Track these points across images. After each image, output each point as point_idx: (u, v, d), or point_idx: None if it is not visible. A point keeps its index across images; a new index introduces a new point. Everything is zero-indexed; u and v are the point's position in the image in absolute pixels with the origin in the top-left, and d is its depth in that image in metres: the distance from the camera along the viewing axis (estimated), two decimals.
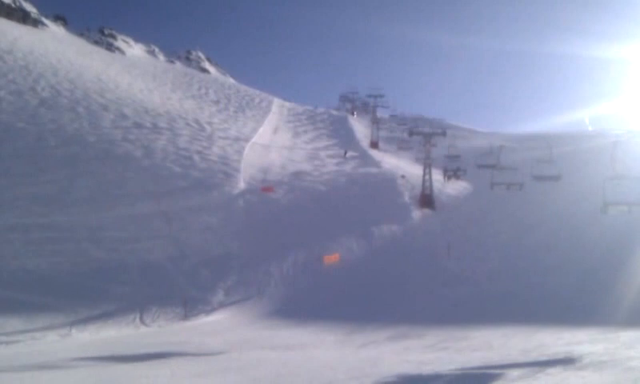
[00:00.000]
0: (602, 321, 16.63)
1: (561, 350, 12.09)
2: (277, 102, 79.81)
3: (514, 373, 9.83)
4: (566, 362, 10.52)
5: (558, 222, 32.51)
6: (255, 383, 10.20)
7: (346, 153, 47.95)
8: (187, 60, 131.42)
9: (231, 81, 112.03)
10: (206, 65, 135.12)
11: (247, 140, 50.74)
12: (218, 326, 21.61)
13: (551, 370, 9.77)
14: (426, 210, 38.06)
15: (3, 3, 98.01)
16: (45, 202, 32.56)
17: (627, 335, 13.91)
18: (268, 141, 54.61)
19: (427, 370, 11.13)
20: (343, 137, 61.98)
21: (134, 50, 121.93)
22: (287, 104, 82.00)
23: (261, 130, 58.27)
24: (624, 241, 27.21)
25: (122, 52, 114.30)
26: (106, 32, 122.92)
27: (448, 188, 42.20)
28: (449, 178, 40.32)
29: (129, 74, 77.52)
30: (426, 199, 39.00)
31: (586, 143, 46.07)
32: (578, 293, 22.08)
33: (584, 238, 29.37)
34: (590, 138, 49.78)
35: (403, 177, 43.10)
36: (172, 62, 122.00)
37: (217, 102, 72.72)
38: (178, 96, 71.19)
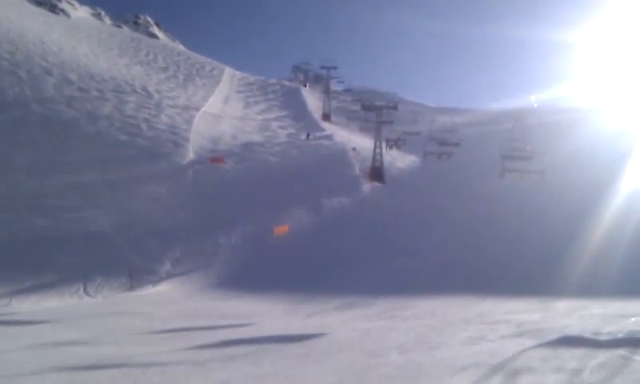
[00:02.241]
0: (541, 291, 17.36)
1: (500, 318, 12.59)
2: (228, 72, 78.28)
3: (455, 340, 10.19)
4: (505, 328, 10.97)
5: (502, 195, 33.54)
6: (203, 351, 10.18)
7: (308, 136, 47.28)
8: (135, 24, 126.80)
9: (181, 47, 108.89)
10: (155, 30, 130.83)
11: (197, 109, 49.73)
12: (165, 296, 21.40)
13: (490, 337, 10.17)
14: (376, 183, 38.50)
15: None
16: None
17: (564, 304, 14.61)
18: (218, 110, 53.67)
19: (374, 336, 11.40)
20: (295, 108, 61.61)
21: (79, 12, 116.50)
22: (238, 74, 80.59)
23: (211, 99, 57.17)
24: (565, 212, 28.40)
25: (66, 14, 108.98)
26: None
27: (398, 161, 42.78)
28: (390, 147, 41.05)
29: (73, 38, 74.09)
30: (376, 172, 39.39)
31: (531, 119, 47.46)
32: (519, 264, 22.94)
33: (526, 210, 30.47)
34: (536, 115, 51.29)
35: (354, 149, 43.36)
36: (119, 26, 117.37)
37: (165, 69, 70.69)
38: (125, 62, 68.74)
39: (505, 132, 36.32)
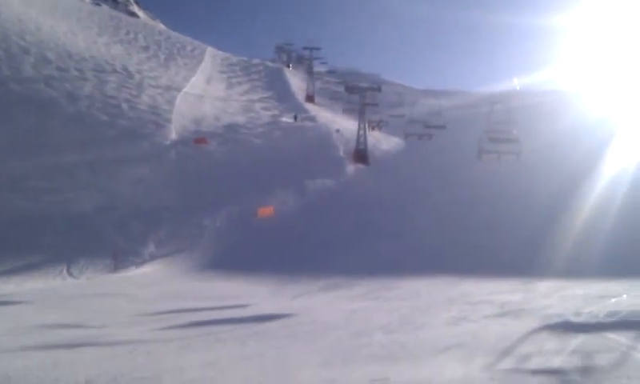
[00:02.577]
0: (524, 273, 17.66)
1: (483, 299, 12.80)
2: (210, 51, 77.29)
3: (438, 320, 10.35)
4: (488, 309, 11.16)
5: (485, 178, 33.83)
6: (188, 333, 10.21)
7: (296, 117, 46.84)
8: (114, 2, 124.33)
9: (161, 26, 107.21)
10: (135, 8, 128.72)
11: (179, 89, 49.21)
12: (149, 278, 21.35)
13: (474, 317, 10.35)
14: (360, 165, 38.60)
15: None
16: None
17: (545, 285, 14.88)
18: (201, 91, 53.14)
19: (359, 317, 11.53)
20: (279, 89, 61.24)
21: None
22: (220, 53, 79.66)
23: (193, 79, 56.56)
24: (548, 196, 28.79)
25: None
26: None
27: (382, 143, 42.88)
28: (372, 128, 41.22)
29: (51, 16, 72.40)
30: (360, 154, 39.48)
31: (514, 102, 47.78)
32: (502, 246, 23.25)
33: (508, 193, 30.81)
34: (519, 97, 51.57)
35: (338, 131, 43.34)
36: (98, 4, 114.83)
37: (146, 49, 69.59)
38: (105, 40, 67.51)
39: (491, 115, 36.67)
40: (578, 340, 7.71)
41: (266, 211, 28.97)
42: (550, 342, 7.76)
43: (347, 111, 48.72)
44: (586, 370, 6.38)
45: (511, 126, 30.62)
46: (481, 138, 31.00)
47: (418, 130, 36.39)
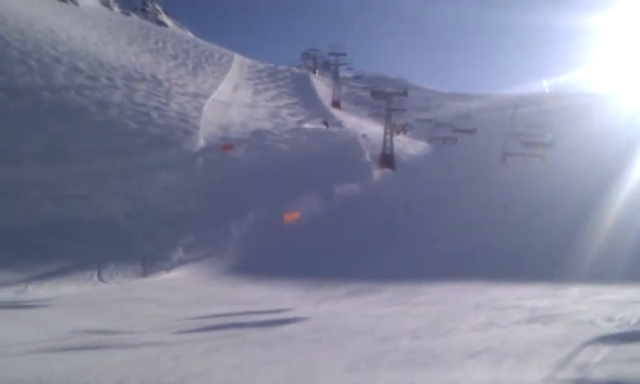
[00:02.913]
0: (552, 278, 17.34)
1: (512, 304, 12.60)
2: (237, 59, 78.10)
3: (466, 326, 10.22)
4: (517, 314, 10.98)
5: (513, 182, 33.38)
6: (215, 337, 10.29)
7: (327, 124, 45.53)
8: (143, 12, 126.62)
9: (189, 35, 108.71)
10: (164, 18, 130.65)
11: (206, 97, 49.76)
12: (177, 282, 21.60)
13: (503, 323, 10.19)
14: (387, 170, 38.47)
15: None
16: None
17: (574, 290, 14.58)
18: (228, 98, 53.67)
19: (385, 322, 11.46)
20: (305, 95, 61.47)
21: (88, 0, 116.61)
22: (248, 61, 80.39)
23: (220, 86, 57.15)
24: (576, 199, 28.26)
25: (74, 2, 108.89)
26: None
27: (409, 148, 42.67)
28: (397, 132, 41.01)
29: (82, 26, 74.22)
30: (387, 159, 39.35)
31: (543, 104, 47.12)
32: (530, 250, 22.89)
33: (536, 197, 30.33)
34: (548, 99, 50.85)
35: (364, 136, 43.27)
36: (128, 14, 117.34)
37: (175, 57, 70.65)
38: (134, 50, 68.79)
39: (518, 118, 36.18)
40: (610, 347, 7.53)
41: (292, 217, 28.99)
42: (582, 348, 7.59)
43: (373, 116, 48.56)
44: (616, 374, 6.23)
45: (545, 129, 30.25)
46: (505, 140, 30.78)
47: (443, 134, 36.30)
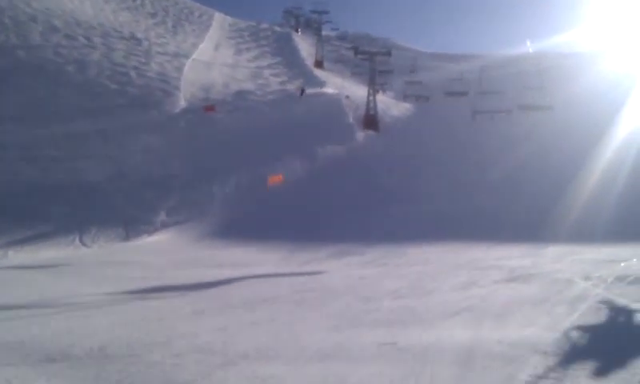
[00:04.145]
0: (533, 238, 17.64)
1: (492, 264, 12.84)
2: (218, 17, 76.37)
3: (447, 285, 10.41)
4: (497, 274, 11.19)
5: (495, 143, 33.59)
6: (199, 299, 10.35)
7: (302, 92, 43.11)
8: None
9: None
10: None
11: (187, 56, 48.81)
12: (161, 245, 21.56)
13: (482, 282, 10.39)
14: (370, 131, 38.38)
15: None
16: None
17: (554, 250, 14.89)
18: (209, 58, 52.72)
19: (368, 282, 11.62)
20: (287, 55, 60.60)
21: None
22: (229, 19, 78.71)
23: (201, 45, 56.02)
24: (558, 160, 28.61)
25: None
26: None
27: (393, 109, 42.52)
28: (376, 91, 40.75)
29: None
30: (370, 120, 39.21)
31: (525, 66, 47.10)
32: (512, 211, 23.18)
33: (518, 158, 30.60)
34: (531, 60, 50.85)
35: (347, 97, 42.95)
36: None
37: (154, 15, 68.87)
38: (112, 7, 66.83)
39: (510, 76, 36.23)
40: (587, 303, 7.73)
41: (275, 179, 28.89)
42: (559, 306, 7.79)
43: (355, 75, 48.18)
44: (593, 331, 6.42)
45: (544, 91, 30.32)
46: (474, 99, 31.25)
47: (416, 92, 36.47)
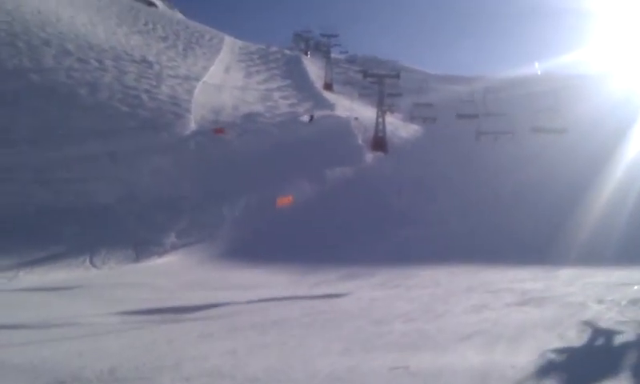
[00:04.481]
0: (547, 261, 17.48)
1: (504, 287, 12.70)
2: (228, 40, 77.28)
3: (459, 308, 10.30)
4: (509, 297, 11.07)
5: (506, 164, 33.46)
6: (209, 322, 10.31)
7: (311, 118, 42.34)
8: None
9: (179, 16, 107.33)
10: None
11: (198, 79, 49.31)
12: (170, 267, 21.58)
13: (495, 305, 10.28)
14: (379, 153, 38.41)
15: None
16: None
17: (566, 273, 14.73)
18: (219, 80, 53.24)
19: (379, 305, 11.53)
20: (297, 78, 61.09)
21: None
22: (239, 42, 79.63)
23: (212, 68, 56.61)
24: (568, 181, 28.44)
25: None
26: None
27: (401, 131, 42.60)
28: (384, 112, 40.68)
29: (71, 7, 73.01)
30: (379, 142, 39.26)
31: (534, 87, 47.05)
32: (523, 234, 23.04)
33: (529, 180, 30.48)
34: (540, 82, 50.79)
35: (356, 119, 43.11)
36: None
37: (165, 39, 69.82)
38: (124, 31, 67.90)
39: (515, 98, 36.19)
40: (599, 328, 7.62)
41: (284, 200, 28.95)
42: (572, 330, 7.68)
43: (363, 96, 48.37)
44: (606, 355, 6.32)
45: (557, 114, 30.20)
46: (478, 120, 31.47)
47: (423, 113, 36.61)
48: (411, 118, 37.92)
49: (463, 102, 32.71)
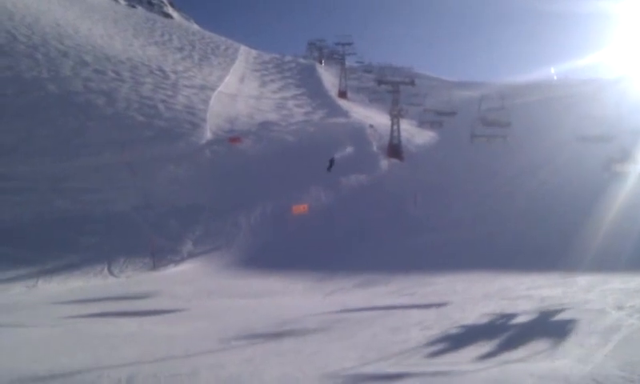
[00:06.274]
0: (562, 266, 17.23)
1: (522, 294, 12.57)
2: (243, 50, 77.93)
3: (476, 316, 10.22)
4: (527, 304, 10.96)
5: (520, 171, 33.21)
6: (226, 329, 10.35)
7: (331, 163, 33.88)
8: (149, 4, 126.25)
9: (195, 27, 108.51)
10: (169, 10, 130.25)
11: (213, 89, 49.69)
12: (187, 275, 21.68)
13: (511, 312, 10.18)
14: (394, 160, 38.31)
15: None
16: (4, 151, 31.60)
17: (584, 279, 14.51)
18: (234, 90, 53.60)
19: (395, 313, 11.48)
20: (311, 86, 61.29)
21: None
22: (253, 52, 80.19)
23: (227, 78, 57.02)
24: (583, 186, 28.09)
25: None
26: None
27: (417, 138, 42.49)
28: (394, 116, 40.44)
29: (89, 19, 74.28)
30: (394, 149, 39.17)
31: (551, 92, 46.66)
32: (539, 239, 22.78)
33: (544, 186, 30.19)
34: (555, 87, 50.38)
35: (371, 126, 43.08)
36: (133, 6, 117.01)
37: (181, 49, 70.61)
38: (141, 42, 68.81)
39: (526, 105, 35.93)
40: (620, 334, 7.51)
41: (300, 208, 29.02)
42: (592, 337, 7.58)
43: (374, 101, 48.38)
44: (627, 362, 6.22)
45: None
46: (473, 123, 31.44)
47: (431, 118, 36.88)
48: (420, 123, 38.29)
49: (489, 110, 32.39)
